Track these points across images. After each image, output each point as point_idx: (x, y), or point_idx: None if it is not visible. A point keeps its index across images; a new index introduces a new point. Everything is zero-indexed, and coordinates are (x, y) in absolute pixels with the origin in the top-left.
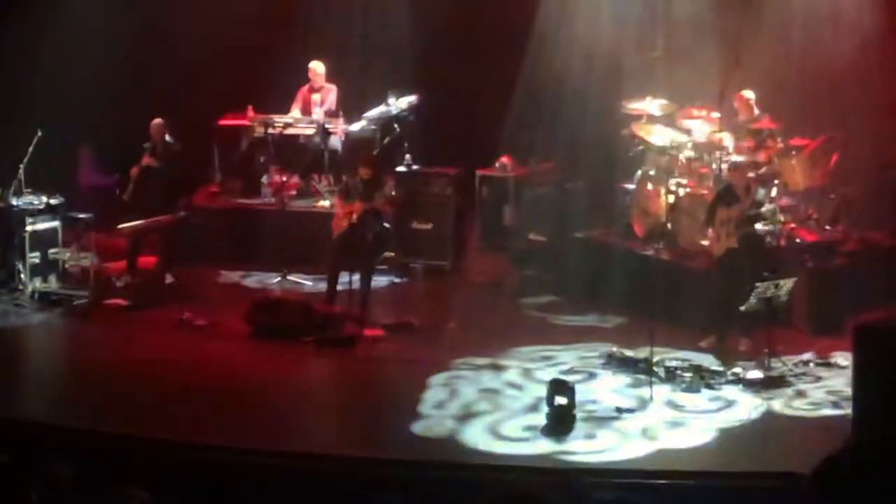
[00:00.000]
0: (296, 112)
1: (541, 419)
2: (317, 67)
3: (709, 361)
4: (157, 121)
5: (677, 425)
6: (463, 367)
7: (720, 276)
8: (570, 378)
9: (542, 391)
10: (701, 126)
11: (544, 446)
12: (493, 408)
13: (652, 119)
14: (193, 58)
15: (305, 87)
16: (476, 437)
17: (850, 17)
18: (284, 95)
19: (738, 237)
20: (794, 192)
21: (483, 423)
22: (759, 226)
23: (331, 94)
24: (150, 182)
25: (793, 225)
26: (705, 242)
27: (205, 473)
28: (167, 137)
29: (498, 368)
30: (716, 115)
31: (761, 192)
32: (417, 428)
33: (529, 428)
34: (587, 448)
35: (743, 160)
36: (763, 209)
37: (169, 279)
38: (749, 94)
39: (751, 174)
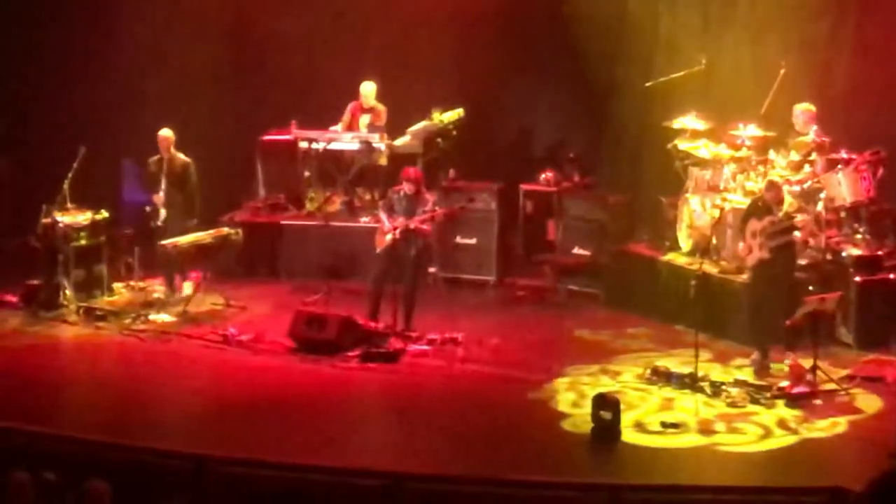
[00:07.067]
0: (339, 128)
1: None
2: (367, 88)
3: (754, 376)
4: (165, 132)
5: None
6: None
7: (754, 288)
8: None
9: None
10: (745, 140)
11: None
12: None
13: (696, 133)
14: (237, 74)
15: (356, 104)
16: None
17: None
18: (328, 111)
19: (770, 249)
20: (841, 206)
21: None
22: (785, 237)
23: (381, 115)
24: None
25: (838, 239)
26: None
27: (248, 489)
28: (172, 150)
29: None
30: (761, 129)
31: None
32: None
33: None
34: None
35: (781, 178)
36: (792, 220)
37: (212, 294)
38: (810, 106)
39: (787, 189)
